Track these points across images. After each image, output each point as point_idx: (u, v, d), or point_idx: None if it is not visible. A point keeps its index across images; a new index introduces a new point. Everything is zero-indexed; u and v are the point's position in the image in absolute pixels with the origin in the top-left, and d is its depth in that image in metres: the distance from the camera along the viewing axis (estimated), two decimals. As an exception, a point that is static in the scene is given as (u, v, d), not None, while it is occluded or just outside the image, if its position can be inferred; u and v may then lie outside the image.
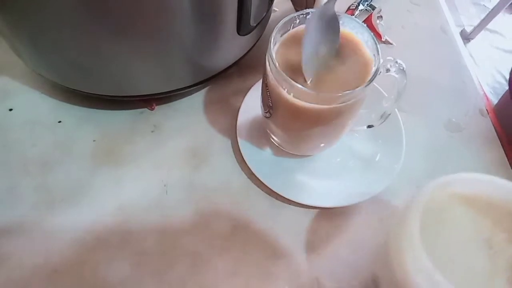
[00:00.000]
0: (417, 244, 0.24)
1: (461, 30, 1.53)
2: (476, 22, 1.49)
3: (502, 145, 0.44)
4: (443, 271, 0.24)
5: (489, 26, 1.47)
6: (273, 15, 0.47)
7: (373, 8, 0.52)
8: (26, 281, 0.34)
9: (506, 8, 1.41)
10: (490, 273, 0.25)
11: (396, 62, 0.33)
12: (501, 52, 1.48)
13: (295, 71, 0.32)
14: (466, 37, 1.50)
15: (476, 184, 0.28)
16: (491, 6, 1.48)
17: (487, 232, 0.27)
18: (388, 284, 0.30)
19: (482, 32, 1.48)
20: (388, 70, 0.34)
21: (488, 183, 0.28)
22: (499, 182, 0.27)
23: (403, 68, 0.33)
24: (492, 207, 0.27)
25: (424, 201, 0.26)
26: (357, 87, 0.31)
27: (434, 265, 0.24)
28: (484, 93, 0.48)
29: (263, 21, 0.42)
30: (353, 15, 0.51)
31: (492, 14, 1.41)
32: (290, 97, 0.32)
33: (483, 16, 1.46)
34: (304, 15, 0.34)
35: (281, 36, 0.34)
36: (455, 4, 1.61)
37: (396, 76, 0.34)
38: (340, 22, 0.35)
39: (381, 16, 0.52)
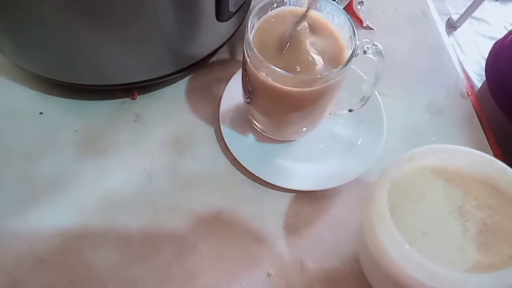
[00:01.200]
0: (386, 219, 0.25)
1: (448, 18, 1.54)
2: (462, 10, 1.49)
3: (482, 127, 0.45)
4: (417, 243, 0.25)
5: (475, 14, 1.47)
6: (254, 3, 0.47)
7: (354, -6, 0.52)
8: (11, 270, 0.34)
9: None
10: (463, 240, 0.26)
11: (374, 44, 0.34)
12: (486, 39, 1.49)
13: (273, 55, 0.33)
14: (453, 25, 1.51)
15: (446, 154, 0.28)
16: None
17: (458, 201, 0.27)
18: (366, 261, 0.30)
19: (468, 20, 1.49)
20: (365, 52, 0.34)
21: (458, 153, 0.28)
22: (469, 151, 0.28)
23: (380, 50, 0.34)
24: (461, 177, 0.28)
25: (391, 177, 0.27)
26: (334, 69, 0.31)
27: (406, 238, 0.24)
28: (466, 75, 0.49)
29: (243, 8, 0.42)
30: (335, 1, 0.52)
31: (477, 2, 1.42)
32: (268, 81, 0.32)
33: (469, 4, 1.46)
34: (281, -1, 0.34)
35: (258, 20, 0.34)
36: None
37: (374, 58, 0.34)
38: (317, 5, 0.35)
39: (362, 2, 0.52)
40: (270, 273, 0.35)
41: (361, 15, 0.51)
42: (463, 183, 0.28)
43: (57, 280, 0.34)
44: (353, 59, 0.33)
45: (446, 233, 0.26)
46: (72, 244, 0.35)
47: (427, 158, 0.29)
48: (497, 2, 1.64)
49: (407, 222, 0.26)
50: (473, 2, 1.43)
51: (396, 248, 0.25)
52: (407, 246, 0.24)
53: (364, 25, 0.51)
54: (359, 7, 0.51)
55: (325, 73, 0.31)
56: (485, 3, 1.43)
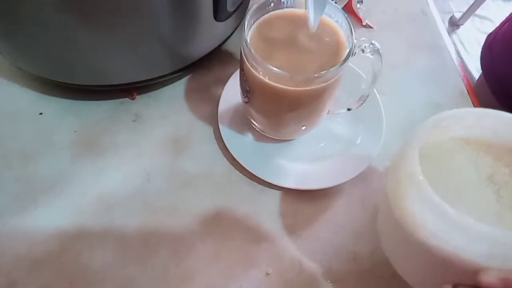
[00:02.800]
0: (419, 177, 0.24)
1: (450, 17, 1.53)
2: (465, 8, 1.49)
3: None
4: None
5: (478, 11, 1.47)
6: (252, 3, 0.47)
7: (353, -8, 0.52)
8: (9, 271, 0.34)
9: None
10: (498, 207, 0.25)
11: (371, 43, 0.34)
12: (490, 37, 1.49)
13: (269, 54, 0.33)
14: (455, 23, 1.50)
15: (471, 121, 0.27)
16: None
17: (488, 169, 0.26)
18: (391, 238, 0.29)
19: (471, 18, 1.48)
20: (363, 51, 0.34)
21: (484, 117, 0.27)
22: (496, 113, 0.27)
23: (378, 48, 0.34)
24: (489, 146, 0.27)
25: (418, 143, 0.25)
26: (331, 68, 0.31)
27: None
28: (465, 74, 0.49)
29: (241, 7, 0.42)
30: (333, 0, 0.51)
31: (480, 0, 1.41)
32: (265, 80, 0.32)
33: (471, 2, 1.46)
34: (279, -1, 0.34)
35: (256, 20, 0.34)
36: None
37: (371, 56, 0.34)
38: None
39: (362, 1, 0.52)
40: (268, 273, 0.35)
41: (361, 14, 0.51)
42: (491, 152, 0.27)
43: (55, 281, 0.34)
44: (351, 58, 0.32)
45: (480, 201, 0.25)
46: (70, 245, 0.35)
47: (452, 127, 0.27)
48: (500, 0, 1.63)
49: (437, 191, 0.24)
50: (476, 0, 1.43)
51: (433, 211, 0.23)
52: (447, 206, 0.22)
53: (363, 23, 0.51)
54: (358, 5, 0.51)
55: (322, 72, 0.31)
56: (488, 1, 1.42)
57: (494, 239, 0.22)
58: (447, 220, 0.23)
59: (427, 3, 0.55)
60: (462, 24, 1.50)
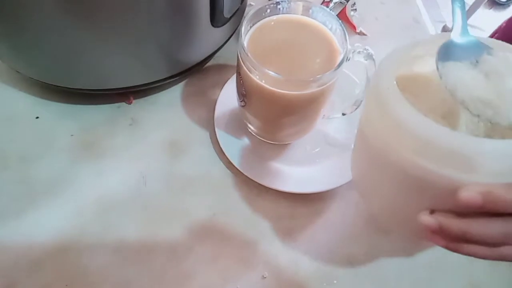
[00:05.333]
0: (397, 95, 0.22)
1: (443, 26, 1.56)
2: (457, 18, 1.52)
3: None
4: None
5: (469, 21, 1.49)
6: (248, 9, 0.48)
7: (347, 0, 0.53)
8: (8, 272, 0.34)
9: (484, 4, 1.44)
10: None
11: (365, 48, 0.34)
12: (481, 46, 1.51)
13: (265, 59, 0.33)
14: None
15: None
16: (471, 1, 1.50)
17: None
18: (364, 165, 0.28)
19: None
20: (356, 56, 0.35)
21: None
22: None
23: (371, 54, 0.34)
24: None
25: (395, 66, 0.24)
26: (326, 73, 0.32)
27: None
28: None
29: (238, 14, 0.43)
30: (328, 7, 0.52)
31: (472, 9, 1.44)
32: (261, 84, 0.33)
33: (463, 11, 1.49)
34: (275, 5, 0.35)
35: (253, 26, 0.35)
36: (436, 0, 1.64)
37: (365, 61, 0.35)
38: (310, 11, 0.36)
39: (355, 9, 0.53)
40: (264, 276, 0.36)
41: (354, 22, 0.52)
42: None
43: (53, 282, 0.34)
44: (345, 63, 0.33)
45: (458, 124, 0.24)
46: (68, 247, 0.36)
47: (428, 57, 0.26)
48: (491, 10, 1.66)
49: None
50: (468, 10, 1.45)
51: (409, 128, 0.21)
52: (425, 117, 0.21)
53: (357, 31, 0.52)
54: (352, 13, 0.52)
55: (317, 77, 0.31)
56: (479, 11, 1.45)
57: (477, 150, 0.20)
58: (424, 134, 0.21)
59: (420, 12, 0.56)
60: (454, 33, 1.52)
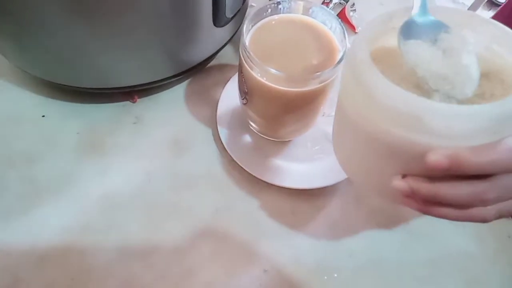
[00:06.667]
0: (371, 66, 0.23)
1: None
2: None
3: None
4: None
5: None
6: (250, 9, 0.49)
7: (347, 1, 0.54)
8: (13, 268, 0.35)
9: (483, 6, 1.45)
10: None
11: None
12: (480, 47, 1.52)
13: (267, 57, 0.34)
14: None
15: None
16: (469, 3, 1.51)
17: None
18: (344, 138, 0.28)
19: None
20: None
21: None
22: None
23: (370, 52, 0.35)
24: None
25: (370, 39, 0.25)
26: (326, 70, 0.32)
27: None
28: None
29: (240, 14, 0.43)
30: (328, 8, 0.53)
31: (470, 10, 1.45)
32: (263, 81, 0.33)
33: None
34: (275, 4, 0.36)
35: (254, 25, 0.36)
36: (434, 2, 1.65)
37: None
38: (310, 11, 0.37)
39: (355, 9, 0.54)
40: (266, 269, 0.36)
41: (354, 22, 0.53)
42: None
43: (58, 277, 0.35)
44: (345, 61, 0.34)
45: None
46: (73, 243, 0.36)
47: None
48: (490, 11, 1.67)
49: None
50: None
51: (380, 92, 0.22)
52: (393, 84, 0.21)
53: (356, 31, 0.53)
54: (351, 13, 0.53)
55: (317, 73, 0.32)
56: (477, 12, 1.46)
57: (443, 115, 0.21)
58: (392, 101, 0.22)
59: (418, 12, 0.57)
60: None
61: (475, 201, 0.22)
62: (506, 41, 0.25)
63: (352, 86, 0.25)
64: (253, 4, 0.53)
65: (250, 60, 0.33)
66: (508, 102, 0.21)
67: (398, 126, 0.22)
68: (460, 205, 0.22)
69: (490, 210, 0.23)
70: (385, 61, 0.26)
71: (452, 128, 0.21)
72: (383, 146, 0.24)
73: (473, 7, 1.43)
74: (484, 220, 0.23)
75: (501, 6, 0.68)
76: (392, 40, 0.26)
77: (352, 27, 0.53)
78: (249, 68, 0.34)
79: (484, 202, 0.22)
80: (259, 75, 0.33)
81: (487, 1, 1.44)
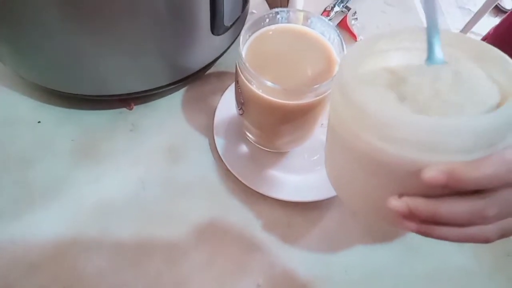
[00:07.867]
0: (356, 80, 0.24)
1: (447, 34, 1.56)
2: (462, 25, 1.51)
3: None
4: None
5: (474, 29, 1.49)
6: (249, 17, 0.49)
7: (348, 9, 0.53)
8: (5, 274, 0.34)
9: (489, 12, 1.44)
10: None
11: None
12: (486, 54, 1.50)
13: (263, 68, 0.33)
14: (452, 40, 1.53)
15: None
16: (475, 9, 1.50)
17: None
18: (335, 155, 0.28)
19: (467, 35, 1.51)
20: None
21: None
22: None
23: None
24: None
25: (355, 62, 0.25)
26: (323, 83, 0.32)
27: None
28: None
29: (238, 22, 0.43)
30: (329, 16, 0.53)
31: (476, 17, 1.44)
32: (259, 94, 0.33)
33: (468, 19, 1.48)
34: (274, 14, 0.35)
35: (251, 35, 0.35)
36: (441, 8, 1.64)
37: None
38: (308, 21, 0.36)
39: (356, 18, 0.53)
40: (259, 284, 0.36)
41: (355, 30, 0.52)
42: None
43: (50, 284, 0.34)
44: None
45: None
46: (66, 250, 0.36)
47: (392, 52, 0.26)
48: (497, 17, 1.66)
49: None
50: (472, 18, 1.45)
51: (369, 109, 0.21)
52: (382, 100, 0.21)
53: (358, 39, 0.52)
54: (353, 22, 0.52)
55: (315, 87, 0.32)
56: (484, 19, 1.45)
57: (435, 129, 0.20)
58: (381, 117, 0.21)
59: (421, 20, 0.56)
60: (458, 41, 1.52)
61: (475, 218, 0.21)
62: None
63: (341, 105, 0.24)
64: (253, 11, 0.53)
65: (246, 72, 0.33)
66: (500, 114, 0.20)
67: (390, 143, 0.22)
68: (461, 223, 0.22)
69: (492, 228, 0.22)
70: (372, 81, 0.25)
71: (448, 144, 0.20)
72: (375, 163, 0.23)
73: (479, 13, 1.42)
74: (486, 240, 0.22)
75: (508, 13, 0.67)
76: (379, 62, 0.26)
77: (353, 36, 0.52)
78: (245, 80, 0.33)
79: (485, 219, 0.21)
80: (255, 87, 0.33)
81: (493, 8, 1.43)
